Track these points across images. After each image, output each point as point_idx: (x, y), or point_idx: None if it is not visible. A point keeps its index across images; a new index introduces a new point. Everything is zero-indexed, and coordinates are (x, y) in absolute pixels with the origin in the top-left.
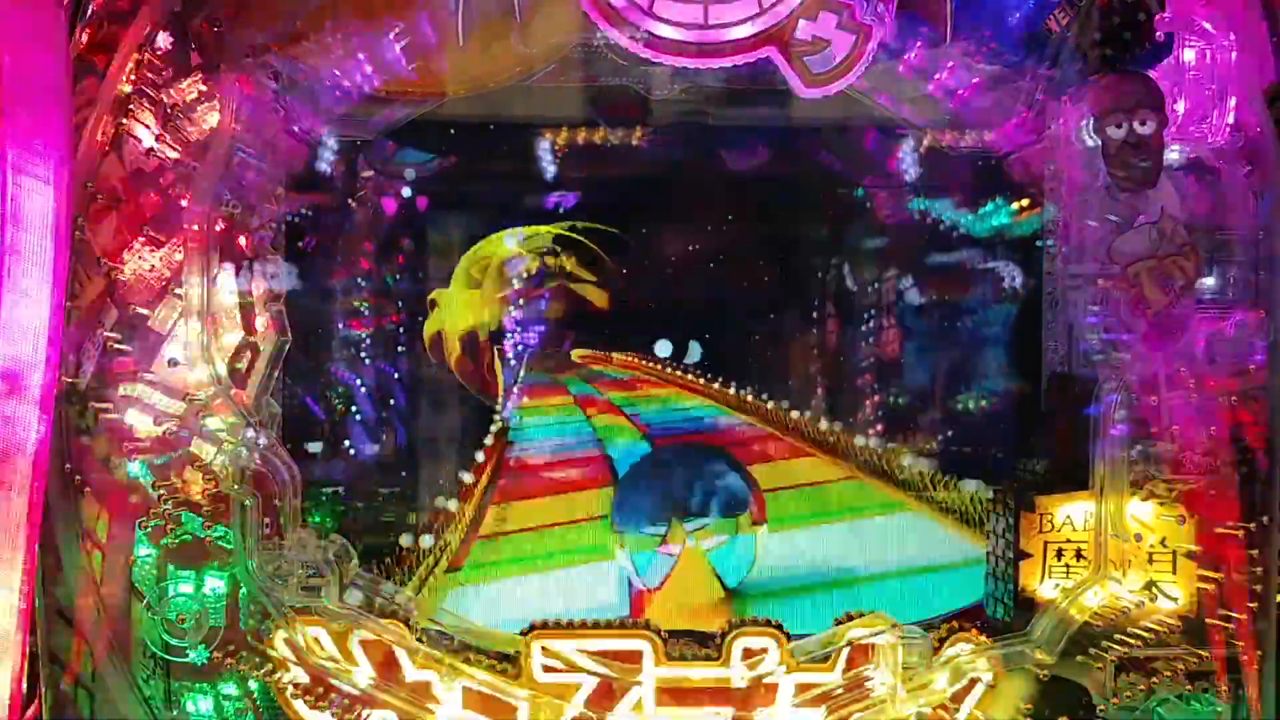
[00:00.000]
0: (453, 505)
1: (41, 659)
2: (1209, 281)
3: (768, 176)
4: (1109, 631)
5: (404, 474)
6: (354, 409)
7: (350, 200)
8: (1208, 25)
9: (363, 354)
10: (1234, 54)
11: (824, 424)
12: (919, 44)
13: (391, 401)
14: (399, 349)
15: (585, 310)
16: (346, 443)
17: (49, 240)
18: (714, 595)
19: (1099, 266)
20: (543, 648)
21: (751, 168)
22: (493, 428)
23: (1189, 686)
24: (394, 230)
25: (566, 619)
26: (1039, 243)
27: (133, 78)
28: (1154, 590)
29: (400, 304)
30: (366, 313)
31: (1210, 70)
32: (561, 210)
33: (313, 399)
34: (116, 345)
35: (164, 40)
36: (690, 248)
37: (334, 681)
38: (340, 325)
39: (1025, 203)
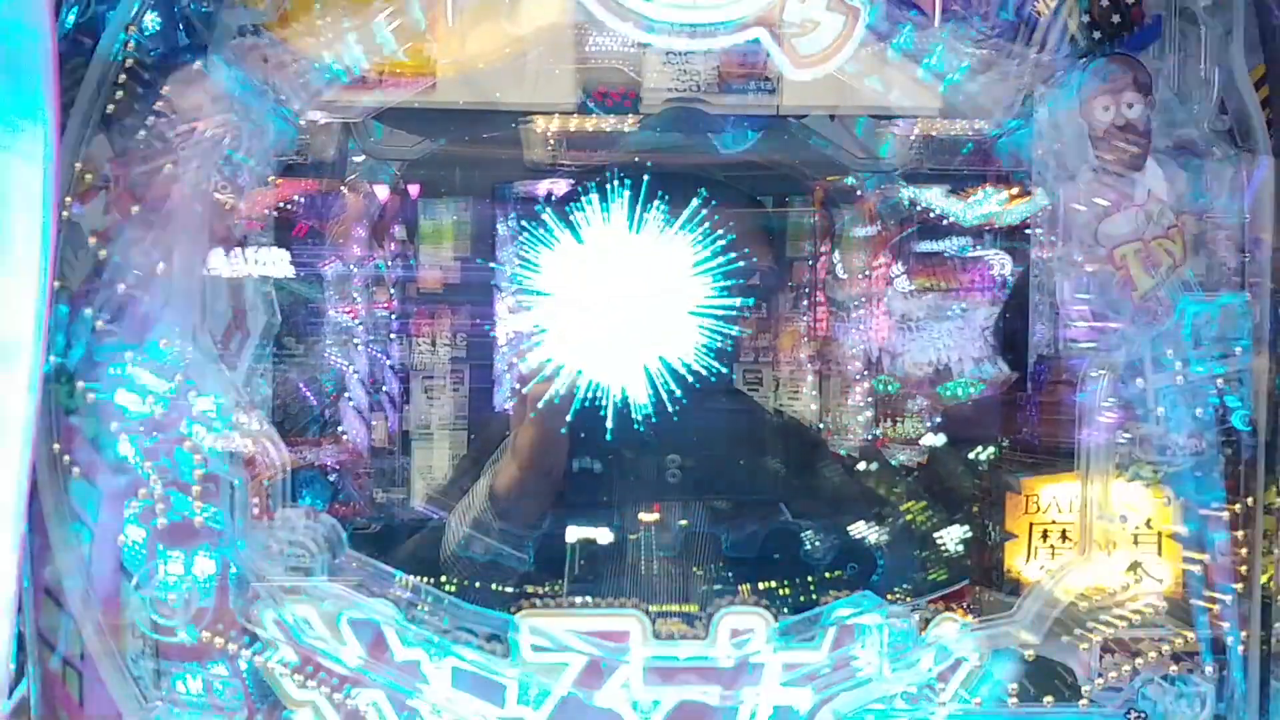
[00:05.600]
0: None
1: (29, 639)
2: (1195, 264)
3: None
4: (1094, 612)
5: None
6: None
7: (342, 185)
8: (1197, 7)
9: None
10: (1223, 36)
11: None
12: (907, 27)
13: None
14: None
15: None
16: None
17: (37, 219)
18: None
19: (1085, 250)
20: (530, 627)
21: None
22: None
23: (1174, 667)
24: (385, 214)
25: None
26: (1027, 230)
27: (121, 58)
28: (1139, 571)
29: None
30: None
31: (1199, 53)
32: (553, 198)
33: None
34: (106, 325)
35: (152, 20)
36: None
37: (323, 661)
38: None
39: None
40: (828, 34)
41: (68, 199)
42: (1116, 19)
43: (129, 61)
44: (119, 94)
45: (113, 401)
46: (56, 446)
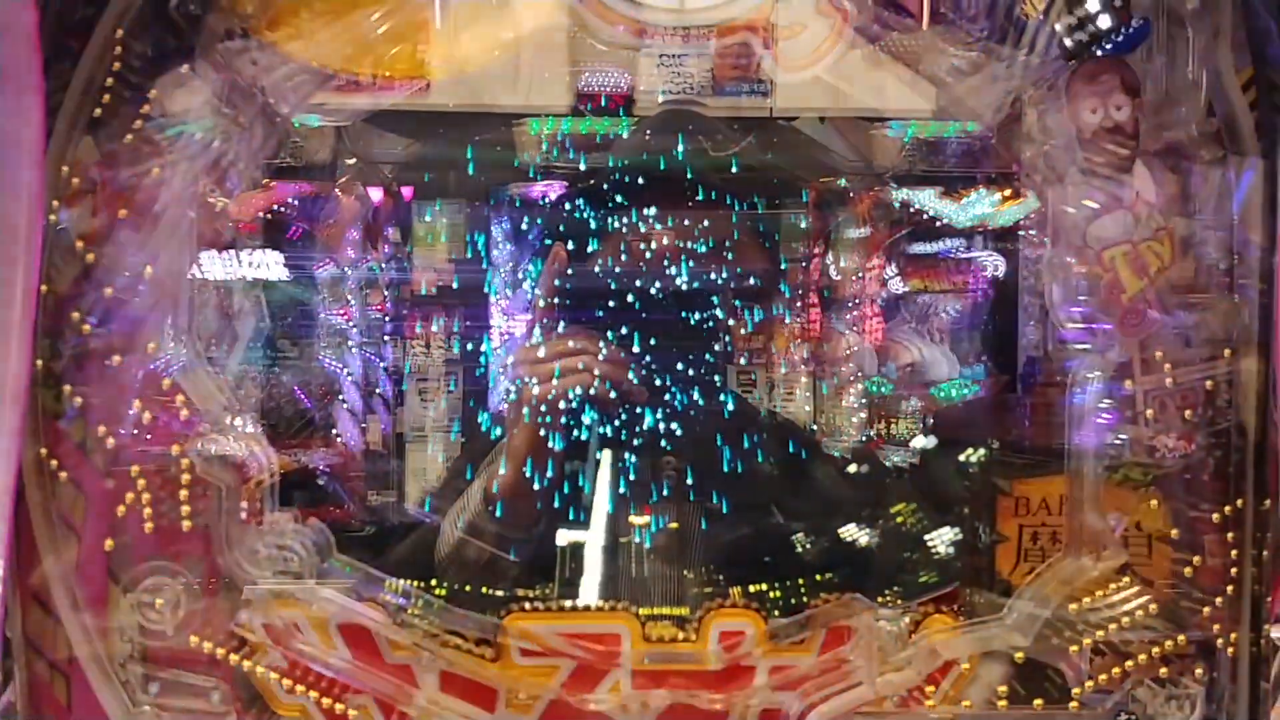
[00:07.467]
0: None
1: (15, 644)
2: (1184, 267)
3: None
4: (1084, 615)
5: None
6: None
7: (335, 188)
8: (1185, 10)
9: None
10: (1211, 38)
11: None
12: (895, 30)
13: None
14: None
15: None
16: None
17: (21, 222)
18: None
19: (1074, 252)
20: (521, 631)
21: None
22: None
23: (1164, 670)
24: (378, 217)
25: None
26: (1019, 234)
27: (108, 60)
28: (1129, 574)
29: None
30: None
31: (1187, 55)
32: (547, 202)
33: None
34: (93, 329)
35: (139, 23)
36: None
37: (312, 665)
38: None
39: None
40: (815, 36)
41: (54, 202)
42: (1104, 22)
43: (116, 64)
44: (106, 97)
45: (100, 405)
46: (43, 450)
